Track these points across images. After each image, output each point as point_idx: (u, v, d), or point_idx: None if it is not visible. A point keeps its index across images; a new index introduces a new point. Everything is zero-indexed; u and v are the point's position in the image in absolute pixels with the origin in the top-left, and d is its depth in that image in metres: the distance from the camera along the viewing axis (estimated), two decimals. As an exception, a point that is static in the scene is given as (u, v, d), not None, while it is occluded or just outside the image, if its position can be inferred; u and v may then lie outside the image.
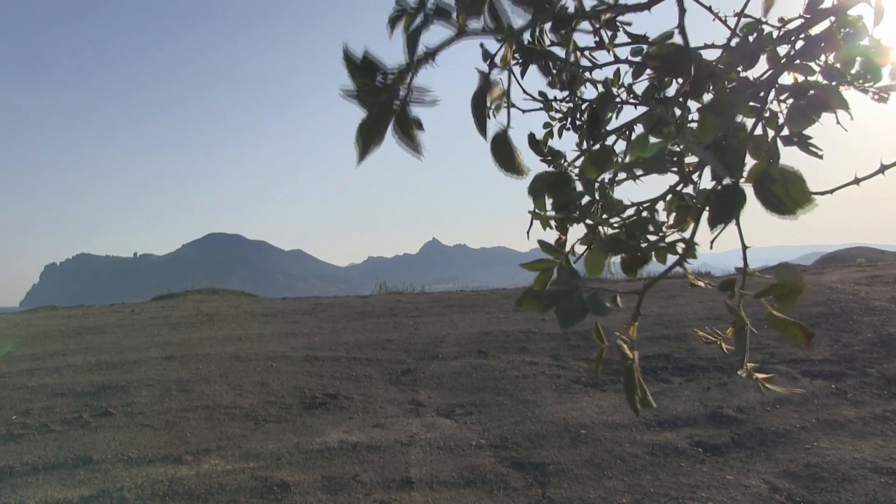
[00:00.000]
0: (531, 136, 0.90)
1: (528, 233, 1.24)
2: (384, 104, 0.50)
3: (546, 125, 0.96)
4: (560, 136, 0.96)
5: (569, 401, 4.06)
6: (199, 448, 3.20)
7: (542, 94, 0.87)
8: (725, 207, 0.55)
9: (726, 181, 0.53)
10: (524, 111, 0.95)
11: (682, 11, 0.61)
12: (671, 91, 1.03)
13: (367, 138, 0.52)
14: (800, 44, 0.72)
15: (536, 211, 0.94)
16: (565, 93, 0.91)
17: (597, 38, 0.77)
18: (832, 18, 0.67)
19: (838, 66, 0.72)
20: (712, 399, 4.08)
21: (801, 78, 0.77)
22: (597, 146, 0.74)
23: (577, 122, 0.94)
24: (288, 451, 3.16)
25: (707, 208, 0.57)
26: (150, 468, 2.99)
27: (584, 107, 0.90)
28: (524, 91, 0.98)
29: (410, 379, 4.43)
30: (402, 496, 2.76)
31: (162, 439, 3.33)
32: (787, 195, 0.51)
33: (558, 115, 0.97)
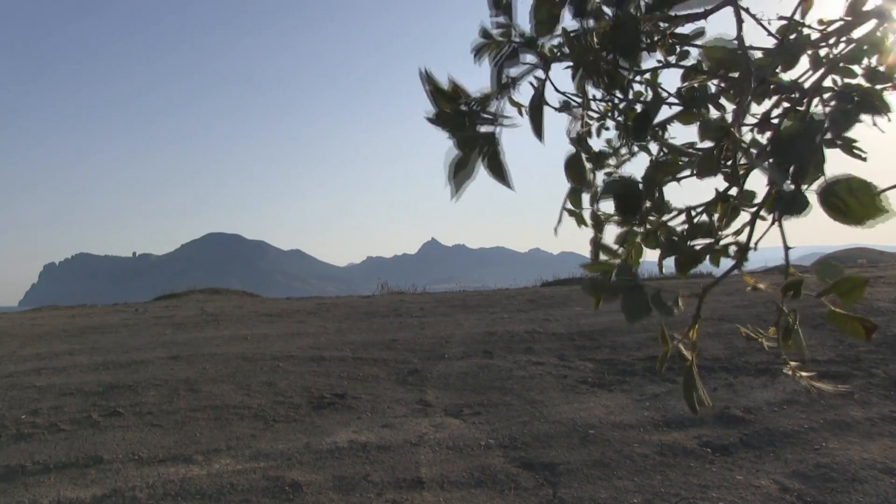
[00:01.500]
0: (577, 136, 0.91)
1: (556, 229, 1.25)
2: (472, 139, 0.52)
3: (584, 124, 0.97)
4: (598, 135, 0.98)
5: (576, 401, 4.07)
6: (209, 448, 3.20)
7: (581, 92, 0.88)
8: (791, 207, 0.56)
9: (787, 187, 0.55)
10: (557, 109, 0.96)
11: (740, 22, 0.62)
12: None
13: (462, 174, 0.53)
14: (841, 46, 0.73)
15: (571, 208, 0.95)
16: (599, 92, 0.92)
17: (648, 41, 0.78)
18: (875, 21, 0.68)
19: (882, 68, 0.73)
20: (719, 399, 4.09)
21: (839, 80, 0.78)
22: (656, 150, 0.75)
23: (616, 122, 0.95)
24: (298, 451, 3.17)
25: (766, 212, 0.58)
26: (161, 468, 2.99)
27: (621, 106, 0.91)
28: (556, 89, 0.99)
29: (417, 379, 4.43)
30: (413, 496, 2.77)
31: (172, 439, 3.33)
32: (856, 204, 0.52)
33: (595, 115, 0.98)
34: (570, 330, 5.86)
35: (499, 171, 0.53)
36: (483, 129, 0.52)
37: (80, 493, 2.74)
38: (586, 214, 0.97)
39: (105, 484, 2.83)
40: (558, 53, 0.57)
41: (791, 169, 0.61)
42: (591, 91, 0.86)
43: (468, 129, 0.51)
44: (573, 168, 0.76)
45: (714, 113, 0.85)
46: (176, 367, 4.58)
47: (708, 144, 0.79)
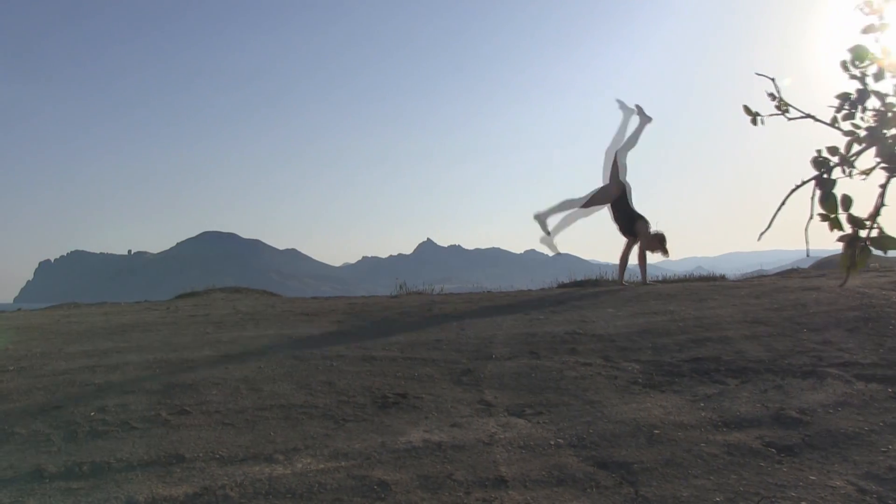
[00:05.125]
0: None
1: (761, 235, 1.30)
2: None
3: (850, 133, 1.01)
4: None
5: (633, 401, 4.12)
6: (286, 447, 3.24)
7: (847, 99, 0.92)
8: None
9: None
10: (806, 115, 1.00)
11: None
12: None
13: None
14: None
15: (824, 213, 1.00)
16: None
17: None
18: None
19: None
20: (771, 400, 4.15)
21: None
22: None
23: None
24: (376, 451, 3.21)
25: None
26: (245, 467, 3.03)
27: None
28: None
29: (472, 379, 4.48)
30: (500, 494, 2.82)
31: (247, 438, 3.37)
32: None
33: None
34: (609, 331, 5.92)
35: None
36: None
37: (173, 491, 2.78)
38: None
39: (194, 482, 2.87)
40: None
41: None
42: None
43: None
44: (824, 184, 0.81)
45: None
46: (230, 365, 4.61)
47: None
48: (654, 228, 10.06)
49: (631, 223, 10.06)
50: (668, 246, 10.16)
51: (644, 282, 10.76)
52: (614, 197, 9.96)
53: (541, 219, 10.09)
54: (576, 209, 10.10)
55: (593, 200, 10.09)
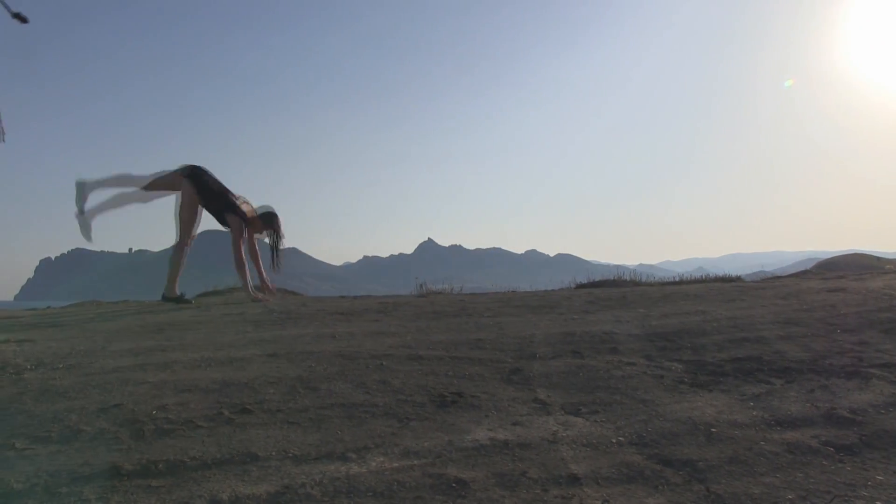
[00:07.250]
0: None
1: None
2: None
3: None
4: None
5: (683, 400, 4.16)
6: (357, 446, 3.28)
7: None
8: None
9: None
10: None
11: None
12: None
13: None
14: None
15: None
16: None
17: None
18: None
19: None
20: (820, 400, 4.19)
21: None
22: None
23: None
24: (445, 449, 3.25)
25: None
26: (320, 465, 3.06)
27: None
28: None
29: (522, 378, 4.52)
30: (577, 492, 2.86)
31: (315, 437, 3.40)
32: None
33: None
34: (645, 331, 5.96)
35: None
36: None
37: (254, 490, 2.81)
38: None
39: (272, 481, 2.90)
40: None
41: None
42: None
43: None
44: None
45: None
46: (280, 364, 4.64)
47: None
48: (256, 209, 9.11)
49: (221, 215, 8.73)
50: (279, 225, 9.23)
51: (246, 292, 8.95)
52: (191, 191, 8.31)
53: (84, 189, 7.91)
54: (136, 189, 8.32)
55: (157, 184, 8.34)
